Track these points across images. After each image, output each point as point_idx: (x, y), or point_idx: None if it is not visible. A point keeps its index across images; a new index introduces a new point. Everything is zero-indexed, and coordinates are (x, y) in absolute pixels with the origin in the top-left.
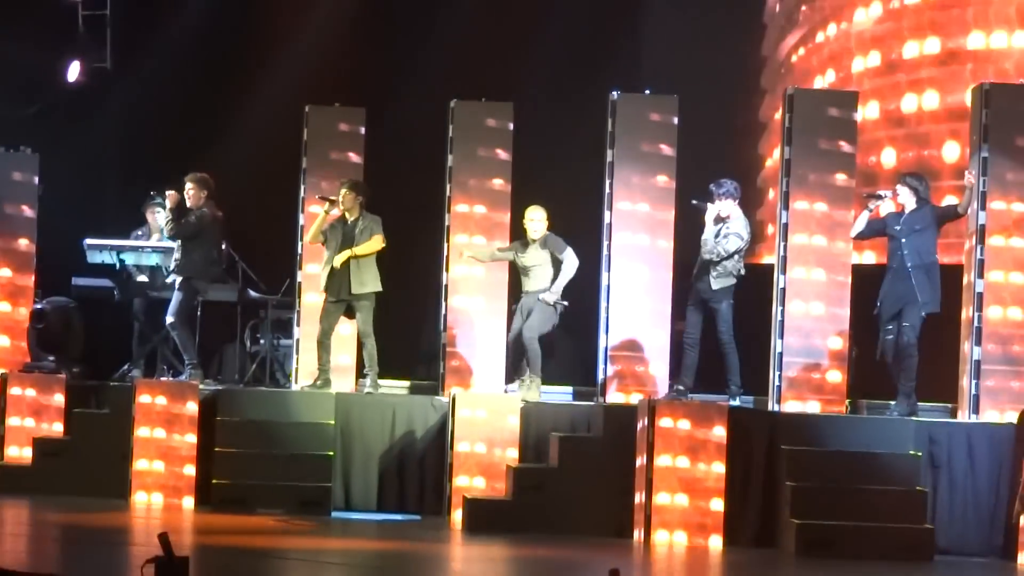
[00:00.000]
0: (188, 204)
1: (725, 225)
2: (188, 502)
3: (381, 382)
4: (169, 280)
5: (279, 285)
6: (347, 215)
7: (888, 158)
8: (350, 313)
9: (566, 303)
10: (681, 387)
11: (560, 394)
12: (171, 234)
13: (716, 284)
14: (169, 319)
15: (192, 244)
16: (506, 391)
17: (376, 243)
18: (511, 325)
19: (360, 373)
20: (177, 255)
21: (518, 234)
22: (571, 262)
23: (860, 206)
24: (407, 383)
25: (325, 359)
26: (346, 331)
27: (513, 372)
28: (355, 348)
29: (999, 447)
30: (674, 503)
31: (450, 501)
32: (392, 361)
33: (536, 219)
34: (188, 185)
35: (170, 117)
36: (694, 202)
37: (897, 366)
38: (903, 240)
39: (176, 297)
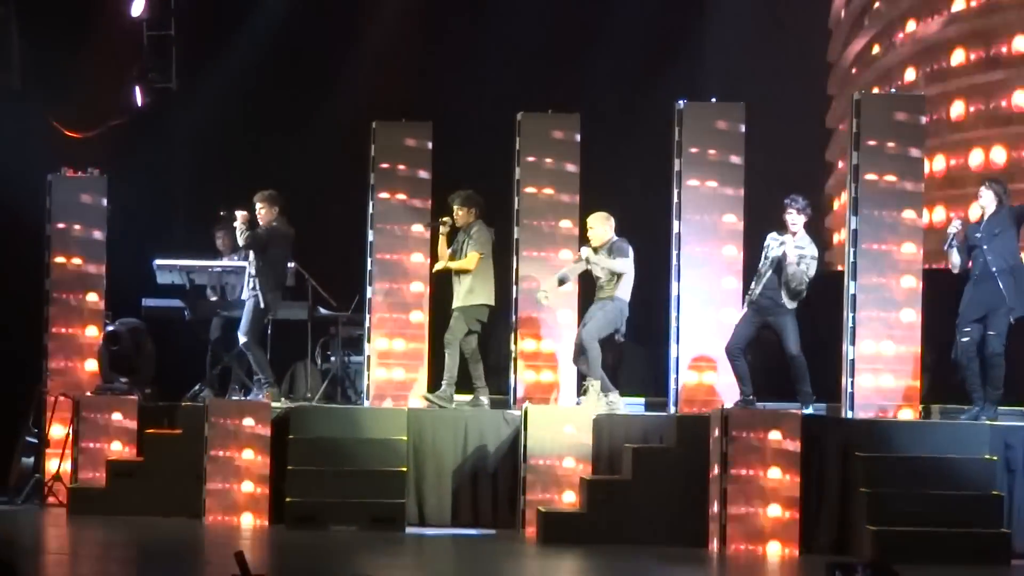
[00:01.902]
0: (260, 222)
1: (797, 246)
2: (262, 521)
3: (466, 398)
4: (242, 297)
5: (349, 302)
6: (461, 231)
7: (976, 159)
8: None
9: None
10: (749, 396)
11: (632, 405)
12: (244, 243)
13: (790, 304)
14: (242, 338)
15: (263, 261)
16: (577, 403)
17: (469, 261)
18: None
19: (435, 384)
20: (251, 271)
21: (586, 244)
22: (621, 265)
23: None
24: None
25: (478, 372)
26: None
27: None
28: (427, 363)
29: None
30: (749, 512)
31: (524, 515)
32: (462, 376)
33: (595, 227)
34: (258, 204)
35: (237, 136)
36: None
37: (975, 371)
38: (984, 247)
39: (247, 315)
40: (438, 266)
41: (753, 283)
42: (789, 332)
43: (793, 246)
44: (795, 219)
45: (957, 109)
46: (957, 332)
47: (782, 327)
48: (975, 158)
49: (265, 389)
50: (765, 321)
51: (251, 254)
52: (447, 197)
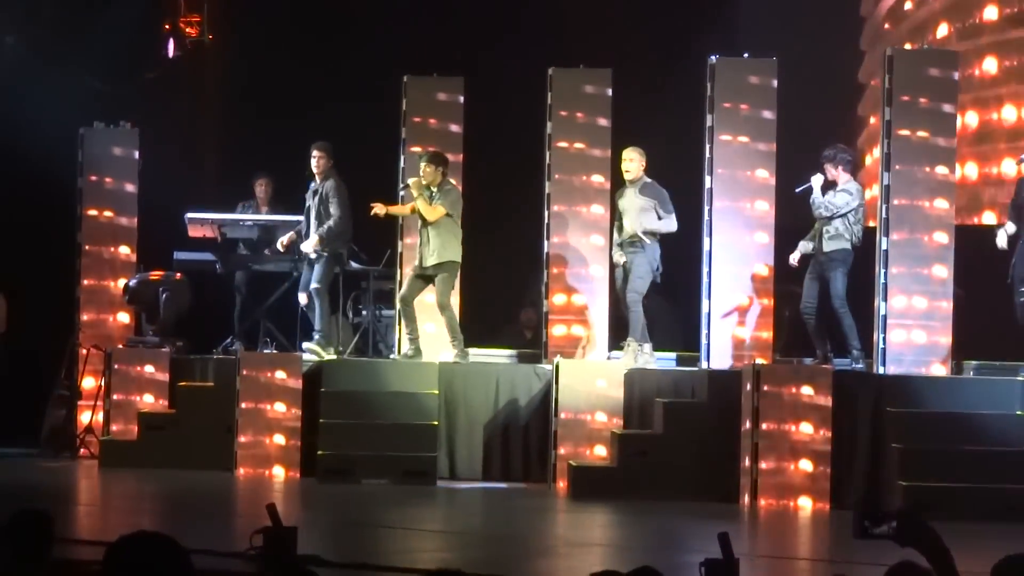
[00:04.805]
0: (314, 171)
1: (833, 190)
2: (293, 473)
3: (482, 351)
4: (266, 253)
5: (380, 256)
6: (431, 187)
7: (1009, 115)
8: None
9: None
10: (827, 354)
11: (663, 360)
12: (335, 232)
13: (828, 246)
14: (315, 285)
15: (327, 215)
16: (608, 358)
17: (434, 212)
18: (619, 284)
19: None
20: (316, 227)
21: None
22: (671, 225)
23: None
24: (509, 351)
25: (411, 328)
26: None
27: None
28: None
29: None
30: (780, 467)
31: (555, 469)
32: (494, 330)
33: (632, 160)
34: (315, 153)
35: (268, 89)
36: (797, 191)
37: None
38: None
39: (321, 267)
40: (393, 209)
41: (804, 245)
42: (837, 285)
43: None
44: (833, 173)
45: (989, 65)
46: (1014, 294)
47: (833, 279)
48: (1007, 114)
49: (316, 340)
50: (822, 274)
51: (317, 210)
52: (438, 154)
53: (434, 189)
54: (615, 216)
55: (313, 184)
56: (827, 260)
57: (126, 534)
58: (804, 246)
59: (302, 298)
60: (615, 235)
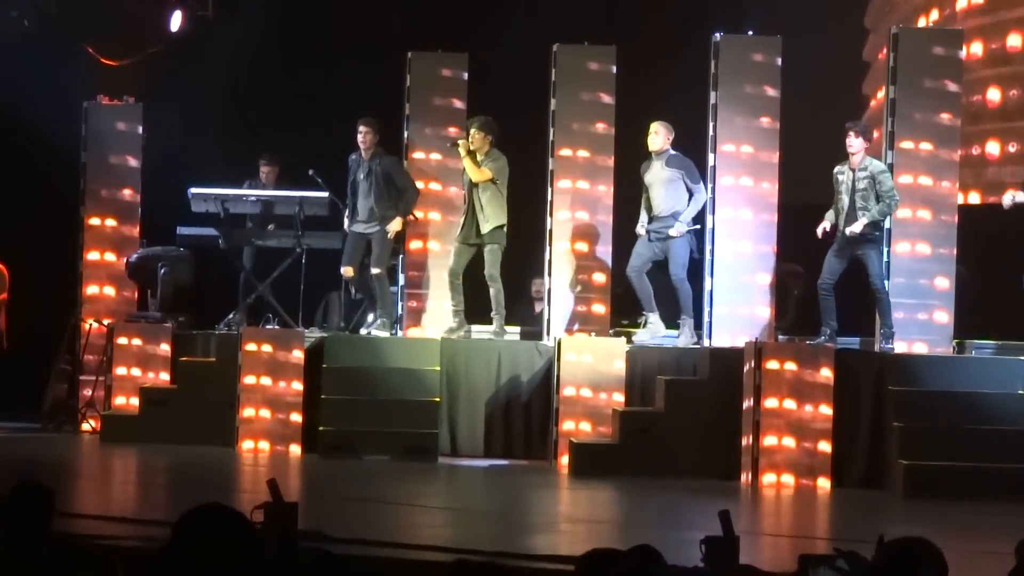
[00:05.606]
0: (361, 147)
1: (863, 169)
2: (294, 449)
3: (486, 328)
4: (269, 229)
5: None
6: (477, 154)
7: (993, 96)
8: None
9: (698, 226)
10: (833, 332)
11: (665, 337)
12: (409, 209)
13: (869, 229)
14: (376, 270)
15: (388, 192)
16: (611, 335)
17: (482, 174)
18: (635, 249)
19: (469, 318)
20: (373, 205)
21: (621, 177)
22: (701, 197)
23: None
24: (513, 328)
25: (457, 300)
26: None
27: (643, 306)
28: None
29: None
30: (781, 445)
31: (556, 446)
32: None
33: (657, 132)
34: (362, 128)
35: (273, 65)
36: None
37: None
38: None
39: (382, 246)
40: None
41: (830, 215)
42: (874, 264)
43: (855, 183)
44: (854, 142)
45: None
46: None
47: (868, 259)
48: None
49: (379, 324)
50: (854, 253)
51: (376, 187)
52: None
53: (480, 156)
54: (642, 190)
55: (355, 158)
56: (866, 240)
57: (194, 507)
58: (831, 216)
59: (348, 271)
60: (643, 209)
